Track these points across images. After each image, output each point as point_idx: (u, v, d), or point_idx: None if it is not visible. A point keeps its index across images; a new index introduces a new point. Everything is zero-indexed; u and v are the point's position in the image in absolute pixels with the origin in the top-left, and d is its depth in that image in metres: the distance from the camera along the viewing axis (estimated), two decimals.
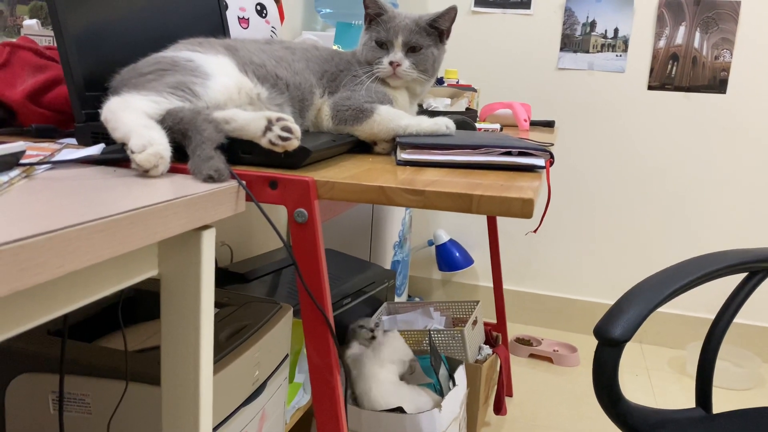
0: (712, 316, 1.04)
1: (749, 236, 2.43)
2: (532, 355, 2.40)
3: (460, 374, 1.49)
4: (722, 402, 2.12)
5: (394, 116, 0.93)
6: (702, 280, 0.94)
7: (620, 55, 2.44)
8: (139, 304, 1.13)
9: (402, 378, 1.43)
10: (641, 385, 2.22)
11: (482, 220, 2.69)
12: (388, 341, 1.46)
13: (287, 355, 1.19)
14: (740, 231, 2.44)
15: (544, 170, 0.83)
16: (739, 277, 1.04)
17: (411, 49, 1.00)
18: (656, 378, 2.28)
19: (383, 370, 1.38)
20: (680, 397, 2.15)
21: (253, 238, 2.03)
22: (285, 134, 0.72)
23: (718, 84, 2.37)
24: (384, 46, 1.00)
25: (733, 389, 2.22)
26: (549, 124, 1.85)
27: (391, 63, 0.98)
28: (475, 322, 1.77)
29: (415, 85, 1.02)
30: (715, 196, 2.45)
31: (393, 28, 0.99)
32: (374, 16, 1.01)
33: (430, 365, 1.46)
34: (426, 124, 0.93)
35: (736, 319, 2.25)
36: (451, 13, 1.03)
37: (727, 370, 2.27)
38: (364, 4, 1.00)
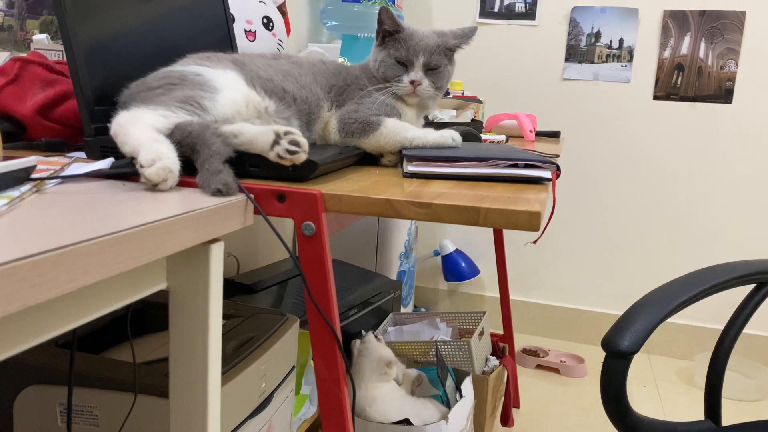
0: (721, 327, 1.03)
1: (757, 246, 2.42)
2: (539, 366, 2.39)
3: (467, 386, 1.49)
4: (731, 414, 2.10)
5: (401, 129, 0.93)
6: (710, 292, 0.93)
7: (625, 66, 2.44)
8: (147, 316, 1.13)
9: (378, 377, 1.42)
10: (649, 396, 2.20)
11: (488, 230, 2.68)
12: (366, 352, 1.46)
13: (294, 367, 1.19)
14: (749, 241, 2.43)
15: (551, 182, 0.83)
16: (748, 288, 1.03)
17: (430, 68, 1.00)
18: (664, 389, 2.27)
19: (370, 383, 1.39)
20: (689, 408, 2.13)
21: (259, 249, 2.04)
22: (293, 148, 0.73)
23: (724, 94, 2.36)
24: (403, 64, 1.00)
25: (742, 400, 2.21)
26: (555, 135, 1.86)
27: (412, 82, 0.99)
28: (481, 333, 1.77)
29: (428, 100, 1.03)
30: (723, 206, 2.44)
31: (413, 48, 0.99)
32: (390, 33, 1.01)
33: (437, 376, 1.45)
34: (432, 136, 0.94)
35: (746, 330, 2.24)
36: (473, 35, 1.03)
37: (736, 381, 2.25)
38: (380, 20, 1.00)
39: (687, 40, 2.36)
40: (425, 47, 0.99)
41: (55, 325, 0.49)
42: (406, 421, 1.31)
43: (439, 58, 1.00)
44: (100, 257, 0.46)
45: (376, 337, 1.55)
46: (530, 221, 0.67)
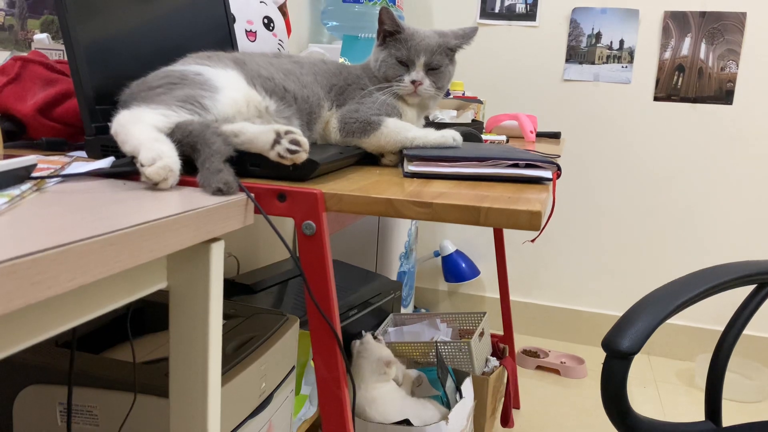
0: (721, 328, 1.03)
1: (757, 247, 2.42)
2: (539, 367, 2.39)
3: (467, 386, 1.49)
4: (732, 415, 2.10)
5: (401, 128, 0.93)
6: (710, 292, 0.93)
7: (626, 67, 2.44)
8: (147, 316, 1.13)
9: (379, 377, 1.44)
10: (649, 398, 2.20)
11: (489, 231, 2.68)
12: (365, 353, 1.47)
13: (294, 367, 1.19)
14: (748, 242, 2.43)
15: (551, 182, 0.83)
16: (748, 289, 1.03)
17: (431, 68, 1.00)
18: (664, 390, 2.27)
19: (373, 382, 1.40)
20: (689, 409, 2.13)
21: (259, 249, 2.04)
22: (293, 147, 0.73)
23: (724, 95, 2.36)
24: (404, 63, 1.00)
25: (742, 402, 2.20)
26: (555, 136, 1.86)
27: (413, 82, 0.99)
28: (482, 334, 1.76)
29: (429, 100, 1.03)
30: (723, 207, 2.44)
31: (414, 48, 0.99)
32: (391, 33, 1.01)
33: (437, 377, 1.45)
34: (433, 136, 0.94)
35: (746, 331, 2.24)
36: (473, 36, 1.03)
37: (736, 383, 2.25)
38: (380, 20, 1.00)
39: (687, 41, 2.37)
40: (426, 47, 0.99)
41: (56, 323, 0.49)
42: (406, 422, 1.31)
43: (440, 58, 1.00)
44: (100, 255, 0.46)
45: (375, 337, 1.55)
46: (531, 221, 0.67)
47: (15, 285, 0.38)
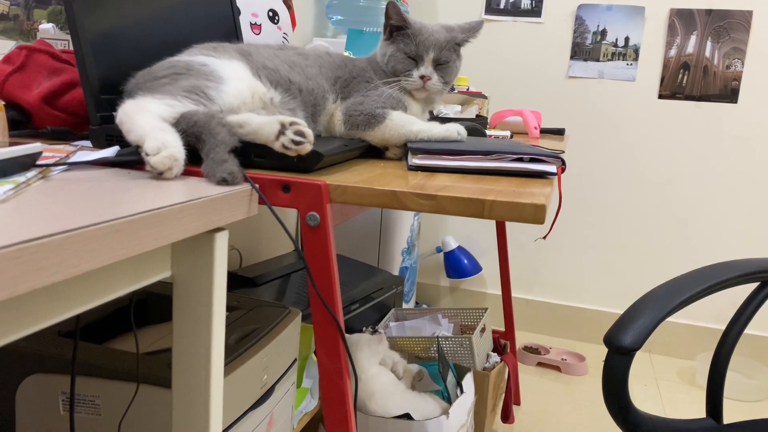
0: (723, 327, 1.03)
1: (761, 246, 2.42)
2: (540, 364, 2.39)
3: (468, 381, 1.49)
4: (732, 413, 2.10)
5: (406, 122, 0.93)
6: (713, 290, 0.93)
7: (631, 64, 2.43)
8: (150, 307, 1.13)
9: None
10: (650, 396, 2.20)
11: (491, 227, 2.68)
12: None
13: (295, 360, 1.19)
14: (752, 241, 2.42)
15: (556, 177, 0.83)
16: (750, 287, 1.03)
17: (439, 63, 1.01)
18: (665, 388, 2.27)
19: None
20: (690, 407, 2.13)
21: (261, 243, 2.04)
22: (298, 138, 0.73)
23: (729, 93, 2.36)
24: (412, 58, 1.00)
25: (743, 401, 2.20)
26: (559, 132, 1.85)
27: (422, 77, 0.99)
28: (483, 330, 1.77)
29: (435, 95, 1.03)
30: (727, 206, 2.43)
31: (423, 43, 0.99)
32: (398, 28, 1.01)
33: (438, 372, 1.45)
34: (437, 129, 0.94)
35: (748, 331, 2.24)
36: (480, 29, 1.04)
37: (737, 382, 2.25)
38: (387, 15, 1.00)
39: (693, 39, 2.36)
40: (435, 42, 0.99)
41: (60, 309, 0.49)
42: (407, 416, 1.31)
43: (448, 53, 1.00)
44: (105, 242, 0.46)
45: (376, 331, 1.55)
46: (535, 214, 0.66)
47: (21, 270, 0.39)
